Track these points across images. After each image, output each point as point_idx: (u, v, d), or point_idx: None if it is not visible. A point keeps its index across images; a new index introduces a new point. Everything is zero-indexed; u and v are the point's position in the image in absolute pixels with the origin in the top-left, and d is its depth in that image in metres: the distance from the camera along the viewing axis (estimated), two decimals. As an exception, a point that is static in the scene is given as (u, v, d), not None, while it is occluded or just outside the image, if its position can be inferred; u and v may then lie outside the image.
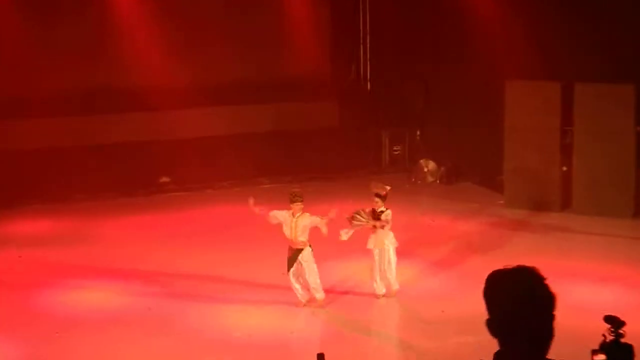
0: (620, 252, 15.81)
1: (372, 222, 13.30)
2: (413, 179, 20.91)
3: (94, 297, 14.11)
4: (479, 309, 13.68)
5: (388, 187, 13.72)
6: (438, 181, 20.79)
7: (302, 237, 12.95)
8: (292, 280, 13.13)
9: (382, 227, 13.35)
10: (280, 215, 13.00)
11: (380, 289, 13.66)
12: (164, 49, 19.67)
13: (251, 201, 13.22)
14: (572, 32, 17.89)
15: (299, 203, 12.89)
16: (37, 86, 19.32)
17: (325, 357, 8.83)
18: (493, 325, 4.88)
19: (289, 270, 13.06)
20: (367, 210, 13.37)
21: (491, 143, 19.35)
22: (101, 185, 19.50)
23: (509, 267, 4.87)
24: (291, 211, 12.92)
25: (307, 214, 12.95)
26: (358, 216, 13.28)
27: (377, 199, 13.38)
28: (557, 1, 18.04)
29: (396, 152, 21.85)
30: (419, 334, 12.66)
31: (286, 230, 12.98)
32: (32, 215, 18.47)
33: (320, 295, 13.27)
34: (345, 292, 14.05)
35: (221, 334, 12.69)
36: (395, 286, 13.73)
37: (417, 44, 21.18)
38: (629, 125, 17.37)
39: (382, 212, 13.36)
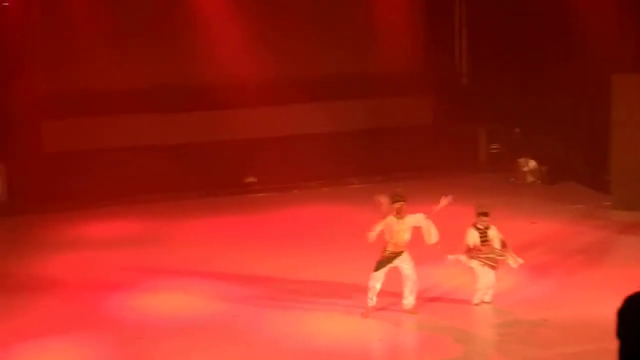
0: None
1: (509, 254, 13.30)
2: (512, 179, 20.71)
3: (174, 301, 14.12)
4: (583, 318, 12.90)
5: (495, 205, 13.84)
6: (539, 181, 20.51)
7: (407, 239, 12.74)
8: (377, 283, 12.78)
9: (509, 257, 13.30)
10: (380, 225, 12.72)
11: (480, 298, 13.50)
12: (248, 44, 19.77)
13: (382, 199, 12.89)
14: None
15: (402, 203, 12.67)
16: (115, 83, 19.59)
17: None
18: (625, 351, 4.71)
19: (377, 270, 12.73)
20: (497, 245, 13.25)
21: (597, 140, 19.05)
22: (184, 185, 19.65)
23: None
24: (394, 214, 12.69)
25: (409, 214, 12.76)
26: (494, 256, 13.21)
27: (484, 218, 13.21)
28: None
29: (494, 150, 21.73)
30: (519, 343, 12.41)
31: (389, 234, 12.67)
32: (110, 216, 18.56)
33: (411, 300, 12.99)
34: (436, 299, 13.76)
35: (303, 342, 12.45)
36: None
37: (517, 35, 21.01)
38: None
39: (487, 228, 13.23)
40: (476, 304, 13.36)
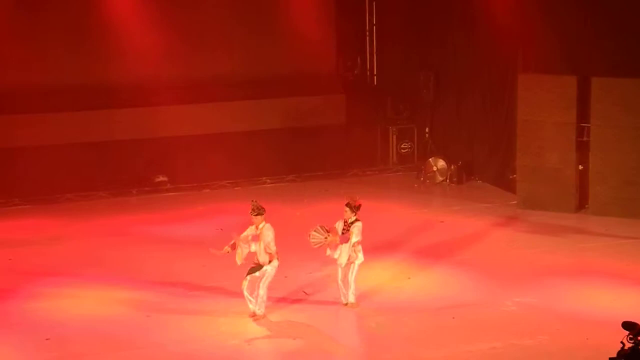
0: (638, 255, 15.71)
1: (331, 239, 13.13)
2: (422, 178, 20.91)
3: (74, 302, 13.98)
4: (491, 316, 13.56)
5: (358, 199, 13.48)
6: (447, 180, 20.73)
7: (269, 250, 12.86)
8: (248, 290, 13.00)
9: (345, 242, 13.19)
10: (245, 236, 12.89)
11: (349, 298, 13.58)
12: (161, 44, 19.65)
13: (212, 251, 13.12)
14: (591, 22, 17.89)
15: (260, 216, 12.82)
16: (27, 81, 19.28)
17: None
18: None
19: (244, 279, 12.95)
20: (330, 225, 13.24)
21: (503, 141, 19.44)
22: (93, 184, 19.62)
23: None
24: (254, 225, 12.85)
25: (268, 225, 12.85)
26: (315, 233, 13.18)
27: (346, 209, 13.24)
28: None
29: (404, 150, 21.88)
30: (425, 343, 12.48)
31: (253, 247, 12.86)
32: (19, 214, 18.52)
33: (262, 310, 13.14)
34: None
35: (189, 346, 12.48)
36: (351, 299, 13.56)
37: (425, 35, 21.28)
38: (647, 122, 17.35)
39: (352, 223, 13.23)
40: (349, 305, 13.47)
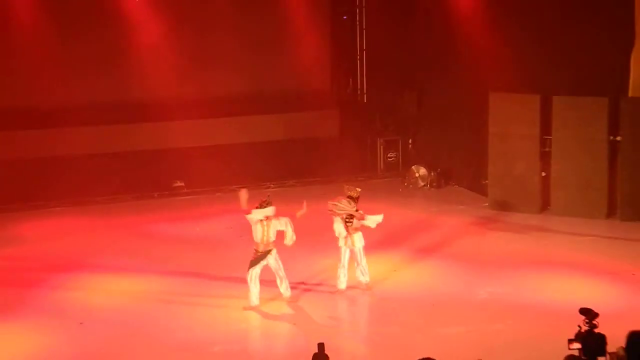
0: (594, 250, 15.81)
1: (353, 211, 13.18)
2: (406, 184, 20.89)
3: (104, 291, 14.04)
4: (466, 304, 13.60)
5: (359, 189, 13.59)
6: (428, 185, 20.71)
7: (272, 239, 12.89)
8: (254, 281, 12.91)
9: (361, 218, 13.27)
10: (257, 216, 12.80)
11: (343, 285, 13.55)
12: (178, 67, 19.64)
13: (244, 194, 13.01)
14: (552, 49, 17.95)
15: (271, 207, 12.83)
16: (63, 99, 19.29)
17: (320, 348, 8.77)
18: None
19: (252, 268, 12.85)
20: (345, 200, 13.29)
21: (477, 150, 19.37)
22: (120, 189, 19.57)
23: None
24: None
25: (274, 218, 12.86)
26: (340, 204, 13.22)
27: (350, 200, 13.28)
28: (538, 21, 18.00)
29: (390, 159, 21.84)
30: (409, 327, 12.50)
31: (259, 233, 12.81)
32: (56, 215, 18.51)
33: (285, 291, 13.17)
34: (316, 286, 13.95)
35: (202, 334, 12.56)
36: (367, 279, 13.65)
37: (409, 60, 21.24)
38: (602, 134, 17.39)
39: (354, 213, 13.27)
40: (339, 290, 13.46)
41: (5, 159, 18.94)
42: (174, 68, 19.56)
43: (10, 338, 12.33)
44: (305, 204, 13.17)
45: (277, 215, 12.94)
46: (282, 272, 13.04)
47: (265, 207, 12.81)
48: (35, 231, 17.37)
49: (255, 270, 12.87)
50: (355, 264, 13.61)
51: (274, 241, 12.91)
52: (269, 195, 13.15)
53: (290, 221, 13.02)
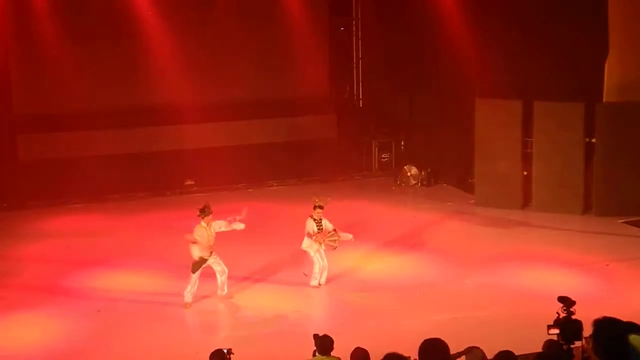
0: (571, 243, 15.89)
1: (338, 235, 13.24)
2: (398, 182, 20.87)
3: (123, 280, 14.13)
4: (453, 292, 13.63)
5: (329, 199, 13.61)
6: (419, 184, 20.71)
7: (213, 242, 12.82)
8: (195, 283, 12.81)
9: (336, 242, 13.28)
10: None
11: (318, 281, 13.51)
12: (189, 75, 19.61)
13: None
14: (532, 58, 17.97)
15: (209, 215, 12.77)
16: (84, 105, 19.31)
17: (320, 339, 8.81)
18: None
19: (194, 272, 12.75)
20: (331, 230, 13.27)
21: (464, 151, 19.36)
22: (135, 187, 19.58)
23: None
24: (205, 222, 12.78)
25: (213, 221, 12.81)
26: (338, 238, 13.25)
27: (319, 210, 13.22)
28: (519, 34, 18.00)
29: (384, 159, 21.82)
30: (402, 314, 12.57)
31: (202, 239, 12.72)
32: (77, 211, 18.55)
33: (225, 289, 13.08)
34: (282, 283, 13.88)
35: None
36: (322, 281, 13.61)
37: (402, 67, 21.24)
38: (578, 137, 17.43)
39: (321, 219, 13.23)
40: (316, 286, 13.39)
41: (31, 160, 19.00)
42: (186, 77, 19.53)
43: (36, 323, 12.45)
44: (245, 209, 13.08)
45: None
46: (223, 273, 12.96)
47: (207, 214, 12.70)
48: (59, 226, 17.43)
49: (196, 275, 12.78)
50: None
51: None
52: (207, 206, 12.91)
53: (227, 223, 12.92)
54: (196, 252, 12.66)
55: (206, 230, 12.70)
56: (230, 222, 12.94)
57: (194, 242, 12.66)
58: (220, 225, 12.82)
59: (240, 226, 13.00)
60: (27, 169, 18.83)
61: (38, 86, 19.25)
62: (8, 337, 11.96)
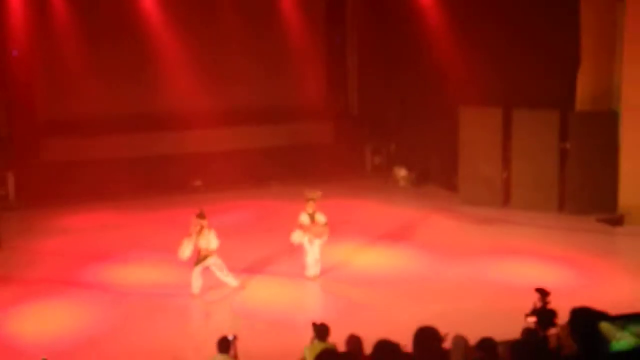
0: (547, 237, 15.88)
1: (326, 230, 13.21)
2: (389, 183, 20.87)
3: (138, 272, 14.10)
4: (440, 285, 13.60)
5: (320, 193, 13.47)
6: (409, 184, 20.71)
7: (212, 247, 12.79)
8: (197, 278, 12.83)
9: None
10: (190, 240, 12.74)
11: (315, 272, 13.44)
12: (196, 83, 19.53)
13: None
14: (511, 70, 17.99)
15: (203, 223, 12.73)
16: (98, 111, 19.32)
17: (317, 327, 8.79)
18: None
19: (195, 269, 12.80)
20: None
21: (449, 154, 19.37)
22: (147, 187, 19.51)
23: None
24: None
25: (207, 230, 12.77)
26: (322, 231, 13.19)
27: (312, 203, 13.15)
28: (499, 48, 18.01)
29: (376, 162, 21.83)
30: (393, 306, 12.55)
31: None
32: (92, 209, 18.48)
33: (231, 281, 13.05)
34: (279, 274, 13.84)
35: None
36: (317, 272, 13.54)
37: (393, 79, 21.20)
38: (553, 142, 17.44)
39: (314, 212, 13.13)
40: (310, 277, 13.31)
41: (51, 162, 19.00)
42: (195, 87, 19.49)
43: (58, 311, 12.49)
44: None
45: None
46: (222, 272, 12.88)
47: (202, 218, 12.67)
48: (77, 223, 17.39)
49: (197, 271, 12.79)
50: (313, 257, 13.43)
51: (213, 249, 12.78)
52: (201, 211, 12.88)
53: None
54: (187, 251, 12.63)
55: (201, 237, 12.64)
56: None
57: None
58: (208, 242, 12.69)
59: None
60: (48, 170, 18.83)
61: (58, 95, 19.23)
62: (29, 325, 11.96)
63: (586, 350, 5.32)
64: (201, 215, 12.73)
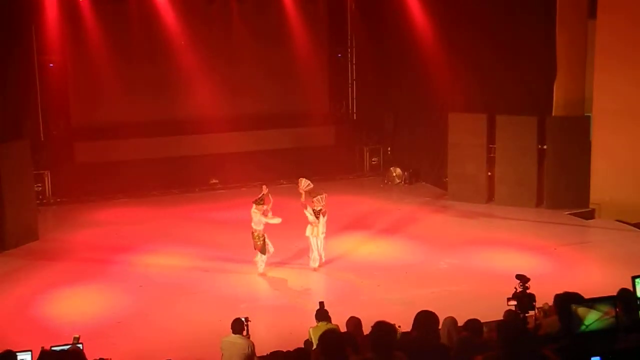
0: (527, 231, 15.85)
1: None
2: (385, 181, 20.80)
3: (162, 261, 14.07)
4: (430, 271, 13.57)
5: (308, 182, 13.42)
6: (402, 182, 20.61)
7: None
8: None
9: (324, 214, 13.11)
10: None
11: (316, 264, 13.32)
12: (212, 91, 19.42)
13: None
14: (495, 79, 17.96)
15: (262, 205, 12.90)
16: (125, 116, 19.26)
17: (320, 305, 8.79)
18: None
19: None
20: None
21: (439, 156, 19.30)
22: (169, 185, 19.52)
23: None
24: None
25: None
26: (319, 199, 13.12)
27: (319, 198, 13.12)
28: (482, 59, 17.95)
29: (374, 162, 21.71)
30: (388, 289, 12.55)
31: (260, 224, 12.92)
32: (121, 205, 18.50)
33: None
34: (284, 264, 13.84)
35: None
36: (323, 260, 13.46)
37: (388, 87, 21.11)
38: (532, 144, 17.40)
39: (320, 210, 13.03)
40: (314, 268, 13.21)
41: (85, 163, 19.01)
42: (213, 95, 19.38)
43: (87, 296, 12.48)
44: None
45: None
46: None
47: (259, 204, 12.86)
48: (106, 217, 17.38)
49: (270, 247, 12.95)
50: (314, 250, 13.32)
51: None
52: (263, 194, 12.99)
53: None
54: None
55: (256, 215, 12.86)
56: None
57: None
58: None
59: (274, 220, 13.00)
60: (82, 170, 18.83)
61: (90, 103, 19.21)
62: (63, 307, 12.00)
63: (564, 329, 5.40)
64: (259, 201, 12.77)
